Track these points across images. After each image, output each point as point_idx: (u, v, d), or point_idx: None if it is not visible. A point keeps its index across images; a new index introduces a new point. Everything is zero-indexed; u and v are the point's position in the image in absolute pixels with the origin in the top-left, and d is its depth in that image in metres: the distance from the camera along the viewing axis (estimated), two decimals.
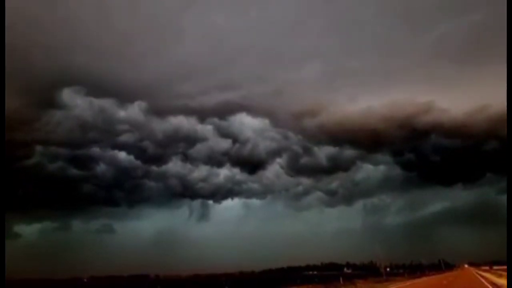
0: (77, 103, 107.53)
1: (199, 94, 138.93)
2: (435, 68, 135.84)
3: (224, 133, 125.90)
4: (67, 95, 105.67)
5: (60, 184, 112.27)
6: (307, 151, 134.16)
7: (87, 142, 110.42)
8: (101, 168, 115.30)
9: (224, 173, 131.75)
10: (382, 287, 22.71)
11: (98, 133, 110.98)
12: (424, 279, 38.54)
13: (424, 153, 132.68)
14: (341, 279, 26.76)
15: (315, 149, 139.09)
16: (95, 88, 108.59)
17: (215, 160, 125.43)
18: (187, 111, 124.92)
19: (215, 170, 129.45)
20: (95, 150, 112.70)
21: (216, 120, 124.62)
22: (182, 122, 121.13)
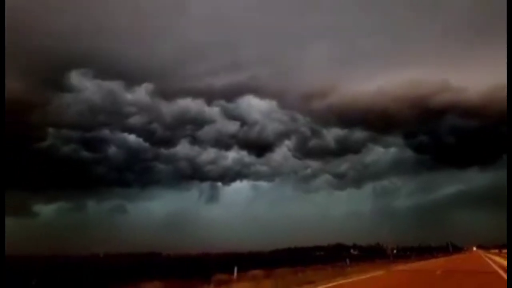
0: (86, 85, 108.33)
1: (206, 75, 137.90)
2: (451, 47, 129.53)
3: (231, 115, 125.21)
4: (76, 77, 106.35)
5: (74, 166, 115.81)
6: (315, 133, 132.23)
7: (97, 125, 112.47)
8: (112, 150, 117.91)
9: (232, 155, 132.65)
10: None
11: (107, 115, 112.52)
12: (424, 262, 38.74)
13: (438, 134, 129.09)
14: (347, 260, 27.15)
15: (324, 131, 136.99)
16: (103, 71, 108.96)
17: (223, 142, 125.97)
18: (195, 93, 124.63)
19: (223, 152, 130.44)
20: (105, 132, 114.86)
21: (223, 102, 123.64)
22: (190, 105, 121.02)
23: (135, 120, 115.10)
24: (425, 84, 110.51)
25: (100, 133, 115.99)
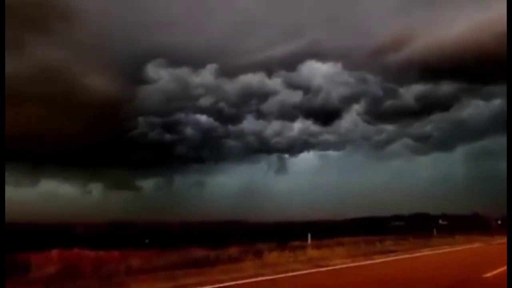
0: (161, 75, 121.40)
1: (264, 48, 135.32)
2: None
3: (293, 85, 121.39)
4: (152, 69, 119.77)
5: (160, 147, 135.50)
6: (390, 93, 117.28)
7: (174, 110, 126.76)
8: (188, 131, 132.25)
9: (298, 126, 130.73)
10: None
11: (180, 100, 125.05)
12: None
13: None
14: (434, 230, 24.53)
15: (401, 89, 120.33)
16: (172, 59, 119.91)
17: (287, 113, 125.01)
18: (255, 67, 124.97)
19: (288, 124, 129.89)
20: (181, 116, 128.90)
21: (284, 72, 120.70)
22: (251, 79, 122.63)
23: (204, 101, 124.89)
24: None
25: (176, 117, 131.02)
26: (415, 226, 52.62)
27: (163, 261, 8.75)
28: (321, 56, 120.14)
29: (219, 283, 6.61)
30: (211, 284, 6.44)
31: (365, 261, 10.06)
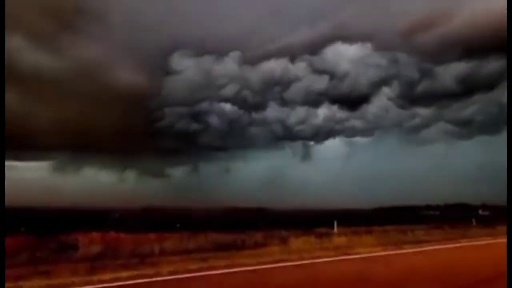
0: (185, 65, 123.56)
1: (286, 33, 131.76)
2: None
3: (318, 69, 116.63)
4: (177, 60, 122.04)
5: (187, 137, 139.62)
6: (425, 73, 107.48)
7: (199, 99, 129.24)
8: (213, 120, 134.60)
9: (323, 112, 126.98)
10: None
11: (205, 89, 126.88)
12: None
13: None
14: (473, 220, 22.95)
15: (438, 69, 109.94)
16: (196, 49, 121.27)
17: (312, 100, 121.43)
18: (278, 53, 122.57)
19: (313, 110, 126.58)
20: (206, 105, 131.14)
21: (308, 56, 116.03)
22: (274, 66, 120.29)
23: (228, 90, 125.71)
24: None
25: (202, 107, 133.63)
26: (452, 216, 49.70)
27: (193, 244, 9.24)
28: (347, 37, 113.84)
29: (246, 266, 6.85)
30: (239, 267, 6.70)
31: (395, 251, 9.77)
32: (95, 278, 5.64)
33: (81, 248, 7.97)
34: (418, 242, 11.79)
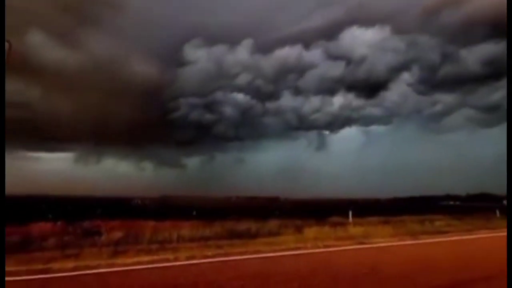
0: (197, 56, 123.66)
1: (300, 19, 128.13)
2: None
3: (333, 55, 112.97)
4: (189, 50, 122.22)
5: (202, 127, 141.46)
6: (448, 57, 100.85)
7: (212, 90, 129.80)
8: (226, 110, 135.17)
9: (339, 100, 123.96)
10: None
11: (218, 79, 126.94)
12: None
13: None
14: (497, 211, 22.02)
15: (462, 52, 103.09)
16: (207, 38, 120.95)
17: (327, 87, 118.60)
18: (291, 40, 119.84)
19: (328, 98, 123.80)
20: (219, 95, 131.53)
21: (323, 42, 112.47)
22: (288, 53, 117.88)
23: (241, 79, 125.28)
24: None
25: (215, 97, 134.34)
26: (474, 206, 47.94)
27: (209, 231, 9.49)
28: (364, 21, 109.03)
29: (261, 253, 6.98)
30: (254, 254, 6.85)
31: (412, 241, 9.61)
32: (118, 261, 5.95)
33: (104, 234, 8.41)
34: (437, 233, 11.52)
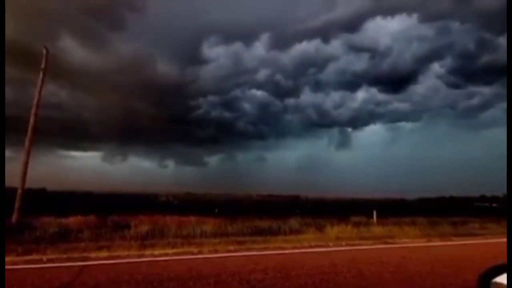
0: (216, 54, 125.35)
1: (319, 11, 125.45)
2: None
3: (356, 48, 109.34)
4: (207, 48, 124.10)
5: (222, 125, 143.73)
6: (485, 44, 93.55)
7: (231, 87, 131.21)
8: (246, 107, 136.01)
9: (362, 95, 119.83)
10: None
11: (237, 76, 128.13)
12: None
13: None
14: None
15: (502, 39, 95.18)
16: (225, 35, 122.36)
17: (349, 82, 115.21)
18: (310, 34, 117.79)
19: (350, 94, 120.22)
20: (238, 92, 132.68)
21: (344, 34, 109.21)
22: (308, 47, 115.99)
23: (259, 75, 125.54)
24: None
25: (234, 94, 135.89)
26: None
27: (231, 228, 9.69)
28: (388, 10, 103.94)
29: (282, 250, 7.03)
30: (275, 250, 6.91)
31: (441, 242, 9.16)
32: (147, 252, 6.29)
33: (133, 228, 8.89)
34: (469, 235, 10.87)
